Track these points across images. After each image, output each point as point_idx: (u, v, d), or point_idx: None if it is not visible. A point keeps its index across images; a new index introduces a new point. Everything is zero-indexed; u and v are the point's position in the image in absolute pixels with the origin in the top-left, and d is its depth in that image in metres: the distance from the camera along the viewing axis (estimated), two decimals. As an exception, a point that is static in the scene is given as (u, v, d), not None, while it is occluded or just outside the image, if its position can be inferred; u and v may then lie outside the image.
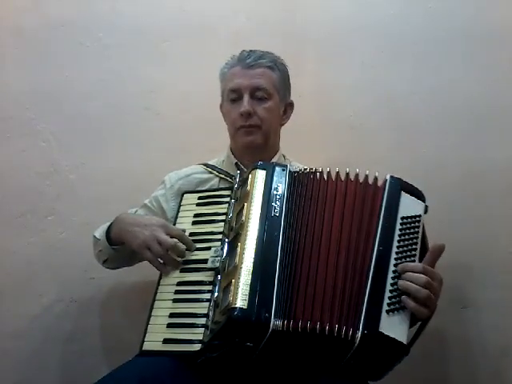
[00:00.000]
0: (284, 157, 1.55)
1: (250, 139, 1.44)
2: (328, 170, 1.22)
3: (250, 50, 1.46)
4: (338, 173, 1.22)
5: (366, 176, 1.20)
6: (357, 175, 1.21)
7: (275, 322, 1.04)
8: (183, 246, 1.25)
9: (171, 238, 1.25)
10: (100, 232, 1.44)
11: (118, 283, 1.74)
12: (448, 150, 1.78)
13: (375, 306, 1.06)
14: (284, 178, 1.21)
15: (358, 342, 1.03)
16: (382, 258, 1.10)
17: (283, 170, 1.23)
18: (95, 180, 1.79)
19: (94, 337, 1.74)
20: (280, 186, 1.20)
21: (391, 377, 1.68)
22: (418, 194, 1.21)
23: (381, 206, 1.16)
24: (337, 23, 1.87)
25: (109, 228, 1.40)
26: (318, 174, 1.22)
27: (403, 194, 1.18)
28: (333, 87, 1.86)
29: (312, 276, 1.10)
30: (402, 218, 1.15)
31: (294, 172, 1.23)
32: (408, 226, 1.15)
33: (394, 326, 1.05)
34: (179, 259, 1.25)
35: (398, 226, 1.14)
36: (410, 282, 1.08)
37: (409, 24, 1.84)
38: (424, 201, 1.21)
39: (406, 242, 1.14)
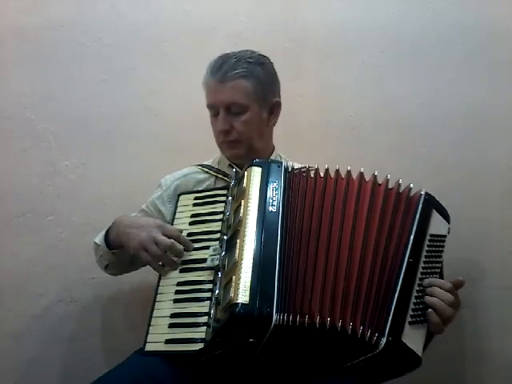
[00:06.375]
0: (280, 156, 1.53)
1: (234, 152, 1.43)
2: (326, 167, 1.23)
3: (224, 58, 1.39)
4: (337, 171, 1.22)
5: (399, 185, 1.20)
6: (385, 181, 1.21)
7: (277, 317, 1.04)
8: (181, 247, 1.24)
9: (168, 238, 1.24)
10: (99, 237, 1.42)
11: (117, 283, 1.73)
12: (448, 150, 1.78)
13: (401, 315, 1.07)
14: (280, 175, 1.22)
15: (381, 347, 1.03)
16: (411, 270, 1.11)
17: (279, 167, 1.24)
18: (95, 180, 1.79)
19: (94, 337, 1.74)
20: (276, 182, 1.21)
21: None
22: (445, 215, 1.22)
23: (413, 219, 1.16)
24: (337, 23, 1.87)
25: (107, 232, 1.39)
26: (312, 171, 1.23)
27: (434, 212, 1.19)
28: (333, 87, 1.86)
29: (310, 270, 1.10)
30: (431, 236, 1.17)
31: (290, 169, 1.24)
32: (435, 244, 1.17)
33: (413, 338, 1.07)
34: (177, 259, 1.25)
35: (427, 243, 1.15)
36: (438, 298, 1.11)
37: (409, 24, 1.85)
38: (449, 222, 1.23)
39: (432, 259, 1.15)
